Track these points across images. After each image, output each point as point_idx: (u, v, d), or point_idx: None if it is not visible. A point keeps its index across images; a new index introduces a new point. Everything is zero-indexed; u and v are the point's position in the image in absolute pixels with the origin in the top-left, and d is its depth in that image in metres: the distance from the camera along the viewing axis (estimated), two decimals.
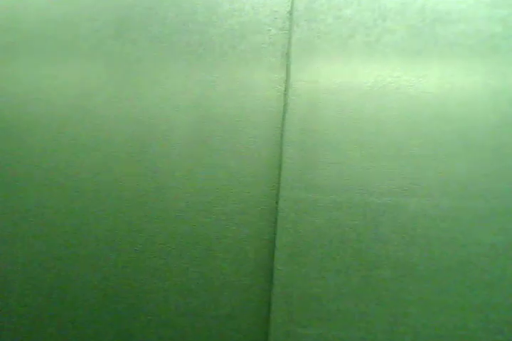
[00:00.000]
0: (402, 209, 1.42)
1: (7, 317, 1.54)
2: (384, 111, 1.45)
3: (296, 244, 1.44)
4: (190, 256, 1.50)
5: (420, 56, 1.46)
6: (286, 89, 1.50)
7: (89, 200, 1.53)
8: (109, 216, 1.52)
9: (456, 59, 1.44)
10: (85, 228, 1.53)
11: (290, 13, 1.52)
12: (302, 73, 1.49)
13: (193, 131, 1.52)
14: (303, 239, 1.44)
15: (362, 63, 1.48)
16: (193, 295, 1.49)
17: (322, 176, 1.45)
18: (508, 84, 1.42)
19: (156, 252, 1.50)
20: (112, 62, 1.57)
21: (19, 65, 1.60)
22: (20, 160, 1.57)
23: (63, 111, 1.56)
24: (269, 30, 1.53)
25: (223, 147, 1.51)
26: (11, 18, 1.62)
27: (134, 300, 1.50)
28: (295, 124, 1.47)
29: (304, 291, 1.43)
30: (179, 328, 1.48)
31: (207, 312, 1.48)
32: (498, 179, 1.40)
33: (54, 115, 1.56)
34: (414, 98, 1.45)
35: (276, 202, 1.47)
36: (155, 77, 1.55)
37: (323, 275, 1.43)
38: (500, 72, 1.42)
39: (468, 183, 1.41)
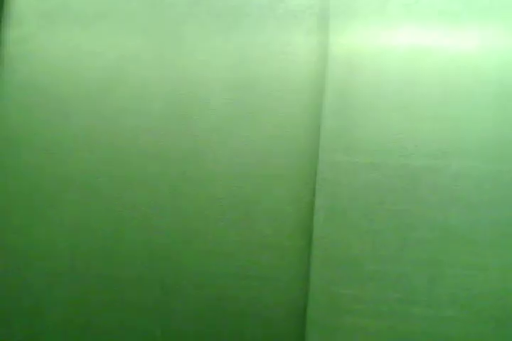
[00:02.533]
0: (440, 171, 1.42)
1: (56, 277, 1.57)
2: (422, 73, 1.44)
3: (335, 206, 1.46)
4: (230, 218, 1.52)
5: (459, 17, 1.45)
6: (324, 53, 1.50)
7: (130, 163, 1.55)
8: (150, 178, 1.55)
9: (496, 20, 1.43)
10: (127, 192, 1.55)
11: None
12: (341, 36, 1.49)
13: (232, 94, 1.53)
14: (341, 201, 1.45)
15: (400, 25, 1.47)
16: (232, 257, 1.51)
17: (360, 139, 1.46)
18: None
19: (197, 215, 1.53)
20: (151, 27, 1.58)
21: (56, 30, 1.62)
22: (60, 128, 1.59)
23: (102, 75, 1.58)
24: None
25: (262, 110, 1.52)
26: None
27: (176, 262, 1.53)
28: (334, 88, 1.48)
29: (342, 253, 1.44)
30: (219, 289, 1.51)
31: (246, 273, 1.50)
32: None
33: (93, 80, 1.58)
34: (452, 60, 1.44)
35: (315, 165, 1.48)
36: (194, 41, 1.55)
37: (361, 237, 1.44)
38: None
39: (506, 145, 1.41)
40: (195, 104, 1.54)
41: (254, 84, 1.53)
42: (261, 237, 1.51)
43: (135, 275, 1.54)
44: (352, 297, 1.43)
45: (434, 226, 1.41)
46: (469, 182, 1.40)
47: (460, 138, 1.42)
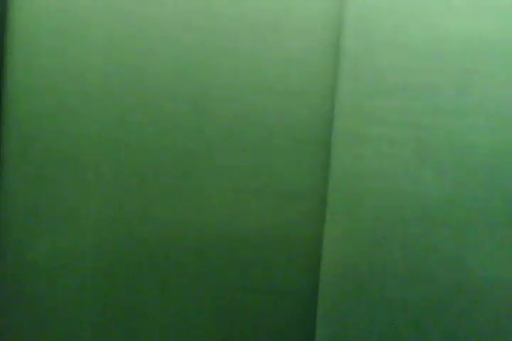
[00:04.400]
0: None
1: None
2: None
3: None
4: (259, 34, 1.52)
5: None
6: None
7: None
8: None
9: None
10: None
11: None
12: None
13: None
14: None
15: None
16: (260, 73, 1.52)
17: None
18: None
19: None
20: None
21: None
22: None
23: None
24: None
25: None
26: None
27: (205, 78, 1.54)
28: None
29: (368, 64, 1.45)
30: (247, 104, 1.53)
31: (273, 88, 1.52)
32: None
33: None
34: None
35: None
36: None
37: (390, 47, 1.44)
38: None
39: None
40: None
41: None
42: (288, 52, 1.51)
43: (167, 90, 1.56)
44: (379, 107, 1.45)
45: (467, 37, 1.41)
46: None
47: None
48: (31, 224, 1.65)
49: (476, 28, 1.41)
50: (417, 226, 1.43)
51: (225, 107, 1.55)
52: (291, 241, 1.53)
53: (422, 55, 1.43)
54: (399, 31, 1.44)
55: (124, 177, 1.61)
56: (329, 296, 1.47)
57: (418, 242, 1.43)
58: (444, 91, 1.43)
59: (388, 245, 1.44)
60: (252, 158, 1.54)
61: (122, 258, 1.61)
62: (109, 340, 1.62)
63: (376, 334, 1.46)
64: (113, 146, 1.61)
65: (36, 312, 1.66)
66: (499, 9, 1.39)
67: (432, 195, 1.43)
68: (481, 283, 1.41)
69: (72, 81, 1.60)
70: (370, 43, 1.45)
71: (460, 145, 1.43)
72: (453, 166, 1.43)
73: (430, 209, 1.43)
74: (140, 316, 1.61)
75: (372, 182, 1.45)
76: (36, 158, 1.64)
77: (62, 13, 1.59)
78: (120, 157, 1.61)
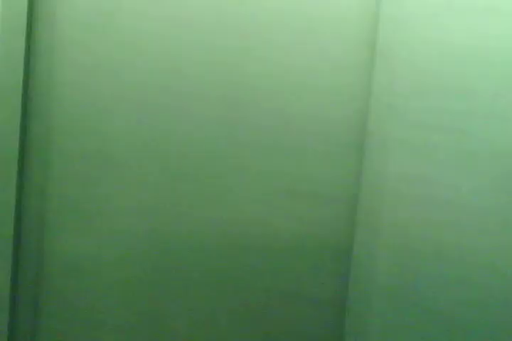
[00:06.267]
0: None
1: None
2: None
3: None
4: (293, 34, 1.49)
5: None
6: None
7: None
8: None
9: None
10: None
11: None
12: None
13: None
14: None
15: None
16: (292, 68, 1.50)
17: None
18: None
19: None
20: None
21: None
22: None
23: None
24: None
25: None
26: None
27: (237, 73, 1.52)
28: None
29: (406, 64, 1.40)
30: (281, 103, 1.50)
31: (305, 84, 1.49)
32: None
33: None
34: None
35: None
36: None
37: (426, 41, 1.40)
38: None
39: None
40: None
41: None
42: (323, 50, 1.48)
43: (200, 90, 1.55)
44: (415, 109, 1.41)
45: (506, 45, 1.35)
46: None
47: None
48: (68, 222, 1.66)
49: None
50: (451, 234, 1.39)
51: (256, 108, 1.52)
52: (321, 243, 1.50)
53: (460, 59, 1.38)
54: (437, 34, 1.39)
55: (156, 175, 1.60)
56: (358, 301, 1.44)
57: (452, 249, 1.39)
58: (481, 95, 1.38)
59: (421, 251, 1.41)
60: (284, 159, 1.52)
61: (152, 252, 1.61)
62: None
63: (405, 339, 1.43)
64: (145, 146, 1.60)
65: (64, 309, 1.67)
66: None
67: (468, 201, 1.39)
68: None
69: (106, 79, 1.59)
70: (407, 42, 1.40)
71: (497, 150, 1.38)
72: (490, 172, 1.38)
73: (465, 216, 1.39)
74: (165, 315, 1.61)
75: (405, 187, 1.41)
76: (77, 158, 1.65)
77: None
78: (152, 156, 1.60)
